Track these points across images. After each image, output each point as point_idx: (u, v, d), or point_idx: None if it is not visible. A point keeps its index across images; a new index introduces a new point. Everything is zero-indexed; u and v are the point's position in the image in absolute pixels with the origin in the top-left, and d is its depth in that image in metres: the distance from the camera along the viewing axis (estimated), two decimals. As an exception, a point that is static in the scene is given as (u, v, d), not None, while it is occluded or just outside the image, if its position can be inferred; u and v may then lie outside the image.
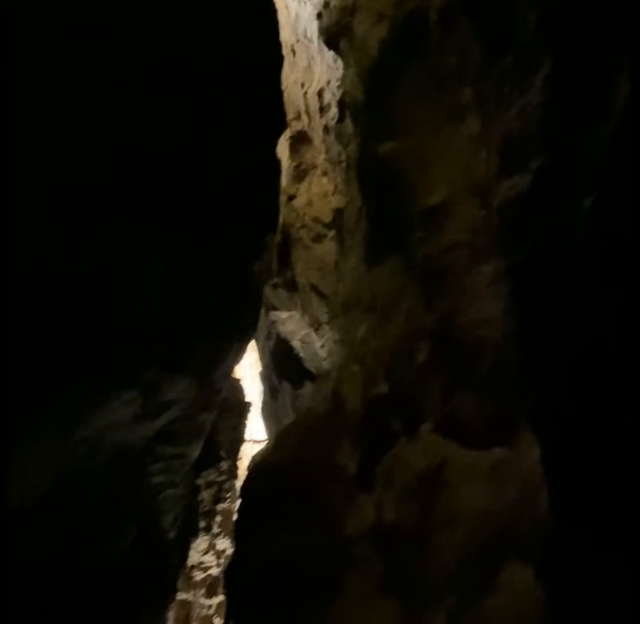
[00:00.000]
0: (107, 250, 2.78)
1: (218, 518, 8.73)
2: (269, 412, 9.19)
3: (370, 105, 4.62)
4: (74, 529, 3.28)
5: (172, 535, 5.03)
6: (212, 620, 10.39)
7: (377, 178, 4.57)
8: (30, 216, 2.51)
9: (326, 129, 5.87)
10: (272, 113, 4.16)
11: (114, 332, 2.93)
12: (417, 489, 3.97)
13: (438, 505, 3.65)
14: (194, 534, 7.25)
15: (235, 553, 6.73)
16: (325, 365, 6.31)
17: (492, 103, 3.21)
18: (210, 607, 10.13)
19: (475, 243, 3.73)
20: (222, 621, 10.28)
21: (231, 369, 4.80)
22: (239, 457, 8.27)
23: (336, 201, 6.04)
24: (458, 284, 3.74)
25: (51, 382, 2.66)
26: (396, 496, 4.29)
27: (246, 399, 7.98)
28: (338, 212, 5.88)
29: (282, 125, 4.41)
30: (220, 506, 8.31)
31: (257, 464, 6.65)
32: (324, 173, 6.57)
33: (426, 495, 3.85)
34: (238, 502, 7.02)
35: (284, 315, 6.85)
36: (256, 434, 11.01)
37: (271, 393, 8.54)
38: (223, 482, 7.48)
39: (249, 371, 10.11)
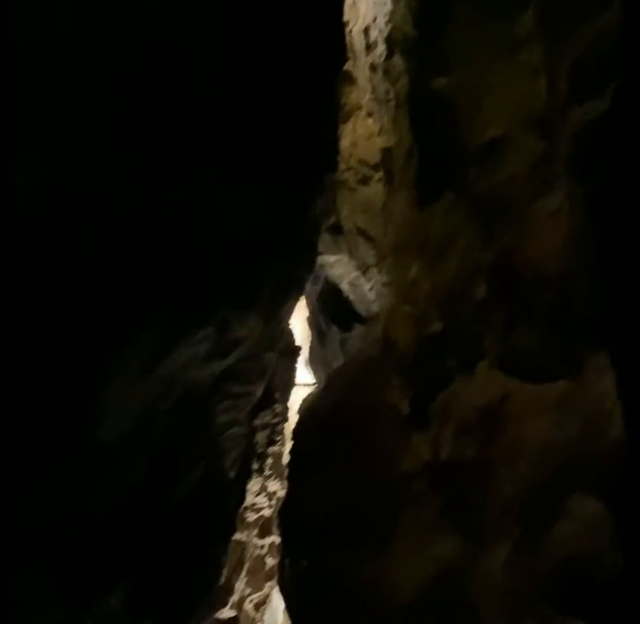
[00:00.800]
0: (191, 192, 2.79)
1: (270, 461, 8.91)
2: (317, 358, 9.25)
3: (421, 40, 4.52)
4: (153, 466, 3.37)
5: (232, 474, 5.15)
6: (264, 560, 10.70)
7: (429, 114, 4.49)
8: (120, 157, 2.52)
9: (372, 67, 5.75)
10: (334, 46, 4.07)
11: (193, 272, 2.96)
12: (476, 425, 3.99)
13: (499, 440, 3.66)
14: (249, 475, 7.41)
15: (288, 495, 6.88)
16: (374, 308, 6.30)
17: (559, 27, 3.10)
18: (262, 547, 10.42)
19: (535, 175, 3.66)
20: (274, 561, 10.58)
21: (292, 308, 4.83)
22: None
23: (383, 141, 5.94)
24: (518, 219, 3.68)
25: (138, 322, 2.70)
26: (453, 433, 4.32)
27: (296, 344, 8.06)
28: (386, 153, 5.79)
29: (342, 59, 4.31)
30: (271, 449, 8.47)
31: (309, 408, 6.74)
32: (370, 114, 6.46)
33: (485, 430, 3.86)
34: (289, 445, 7.17)
35: (331, 258, 6.83)
36: (303, 379, 11.14)
37: (319, 337, 8.58)
38: (276, 424, 7.59)
39: (295, 317, 10.15)
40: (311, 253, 4.67)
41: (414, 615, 4.54)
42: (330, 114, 4.29)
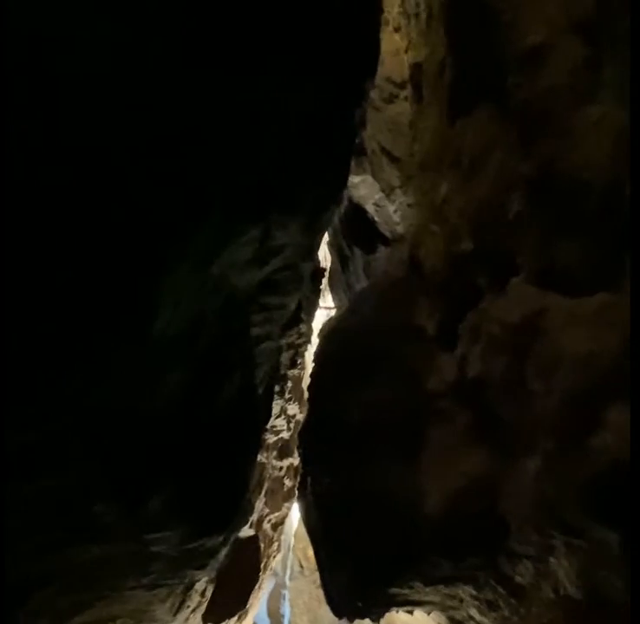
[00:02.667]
0: (255, 87, 2.72)
1: (290, 384, 9.01)
2: (338, 282, 9.22)
3: (459, -57, 4.33)
4: (200, 368, 3.41)
5: (260, 391, 5.20)
6: (282, 481, 10.95)
7: (466, 22, 4.33)
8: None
9: (401, -22, 5.56)
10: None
11: (249, 176, 2.92)
12: (507, 342, 3.97)
13: (532, 355, 3.64)
14: (273, 396, 7.48)
15: (309, 415, 6.96)
16: (400, 229, 6.24)
17: None
18: (280, 468, 10.64)
19: (578, 84, 3.53)
20: (292, 483, 10.83)
21: (330, 220, 4.78)
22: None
23: (411, 57, 5.77)
24: (559, 128, 3.57)
25: (199, 220, 2.68)
26: (483, 350, 4.31)
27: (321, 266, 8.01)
28: (415, 68, 5.63)
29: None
30: (291, 372, 8.54)
31: (332, 329, 6.75)
32: (396, 29, 6.26)
33: (517, 347, 3.84)
34: (310, 367, 7.21)
35: (355, 179, 6.72)
36: (325, 302, 11.17)
37: (341, 261, 8.52)
38: (300, 345, 7.62)
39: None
40: (347, 162, 4.58)
41: (442, 528, 4.64)
42: (371, 13, 4.13)
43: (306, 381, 7.30)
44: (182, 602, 7.75)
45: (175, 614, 7.82)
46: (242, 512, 5.64)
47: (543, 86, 3.70)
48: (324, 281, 9.86)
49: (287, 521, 15.72)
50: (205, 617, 9.34)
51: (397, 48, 6.30)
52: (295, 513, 13.95)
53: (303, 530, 8.19)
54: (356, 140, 4.87)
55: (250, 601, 11.15)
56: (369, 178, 6.64)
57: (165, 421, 3.25)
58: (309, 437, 6.88)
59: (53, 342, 2.36)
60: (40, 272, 2.18)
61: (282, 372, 7.90)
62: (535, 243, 3.69)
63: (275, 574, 19.00)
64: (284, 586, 20.22)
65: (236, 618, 10.78)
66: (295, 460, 9.95)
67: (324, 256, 9.95)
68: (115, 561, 4.40)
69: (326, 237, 9.92)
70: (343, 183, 4.54)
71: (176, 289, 2.78)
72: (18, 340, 2.25)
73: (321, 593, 7.81)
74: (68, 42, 2.13)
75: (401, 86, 6.21)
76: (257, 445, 6.29)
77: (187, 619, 8.73)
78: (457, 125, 4.71)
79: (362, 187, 6.81)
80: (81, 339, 2.42)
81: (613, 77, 3.20)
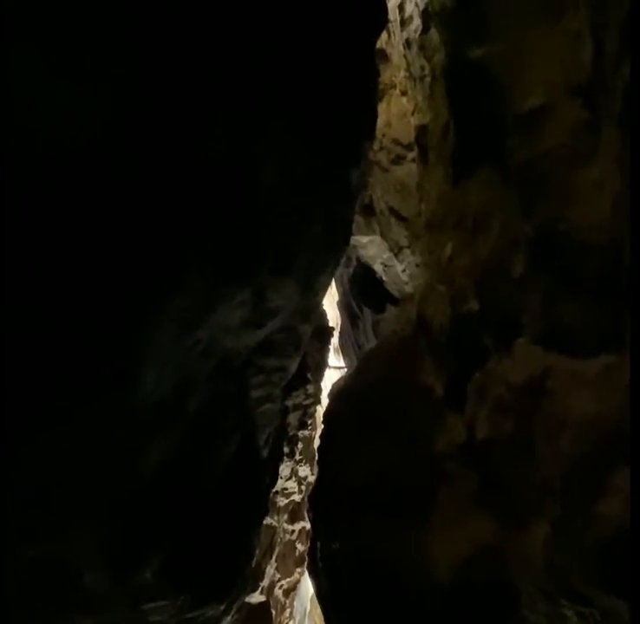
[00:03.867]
0: (237, 142, 2.73)
1: (300, 445, 8.91)
2: (348, 341, 9.21)
3: (459, 9, 4.42)
4: (191, 435, 3.35)
5: (265, 453, 5.12)
6: (294, 546, 10.72)
7: (468, 86, 4.40)
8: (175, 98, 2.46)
9: (407, 43, 5.66)
10: (372, 8, 3.96)
11: (232, 229, 2.91)
12: (513, 403, 3.91)
13: (539, 416, 3.58)
14: (281, 458, 7.39)
15: (319, 477, 6.85)
16: (407, 289, 6.24)
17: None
18: (292, 532, 10.44)
19: (578, 145, 3.56)
20: (304, 547, 10.60)
21: (328, 281, 4.76)
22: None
23: (418, 119, 5.86)
24: (560, 189, 3.58)
25: (176, 278, 2.66)
26: (490, 411, 4.25)
27: (330, 325, 8.01)
28: (421, 130, 5.71)
29: (382, 21, 4.19)
30: (302, 433, 8.46)
31: (341, 389, 6.70)
32: (403, 93, 6.37)
33: (524, 408, 3.78)
34: (320, 428, 7.14)
35: (364, 239, 6.76)
36: (334, 362, 11.12)
37: (351, 320, 8.53)
38: (308, 406, 7.55)
39: (326, 301, 10.08)
40: (348, 224, 4.59)
41: (451, 597, 4.50)
42: (370, 75, 4.18)
43: (317, 442, 7.22)
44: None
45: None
46: (245, 580, 5.50)
47: (543, 147, 3.73)
48: (335, 341, 9.85)
49: (303, 586, 15.38)
50: None
51: (404, 111, 6.41)
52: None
53: (319, 596, 7.99)
54: (356, 203, 4.89)
55: (263, 669, 10.82)
56: (378, 238, 6.69)
57: (153, 488, 3.19)
58: (317, 501, 6.76)
59: (37, 402, 2.34)
60: (19, 337, 2.18)
61: (291, 433, 7.81)
62: (538, 303, 3.67)
63: (293, 640, 18.50)
64: (302, 652, 19.67)
65: None
66: (307, 524, 9.76)
67: (335, 316, 9.97)
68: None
69: (336, 297, 9.95)
70: (342, 244, 4.54)
71: (161, 352, 2.76)
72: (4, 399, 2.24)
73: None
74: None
75: (409, 147, 6.29)
76: (263, 508, 6.17)
77: None
78: (460, 186, 4.75)
79: (371, 247, 6.85)
80: (66, 398, 2.39)
81: (610, 137, 3.21)
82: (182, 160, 2.54)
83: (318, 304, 4.85)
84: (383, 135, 6.51)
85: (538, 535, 3.66)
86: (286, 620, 12.30)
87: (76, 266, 2.23)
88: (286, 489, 9.45)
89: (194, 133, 2.58)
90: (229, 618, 5.09)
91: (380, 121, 6.29)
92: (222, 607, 4.71)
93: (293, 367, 4.77)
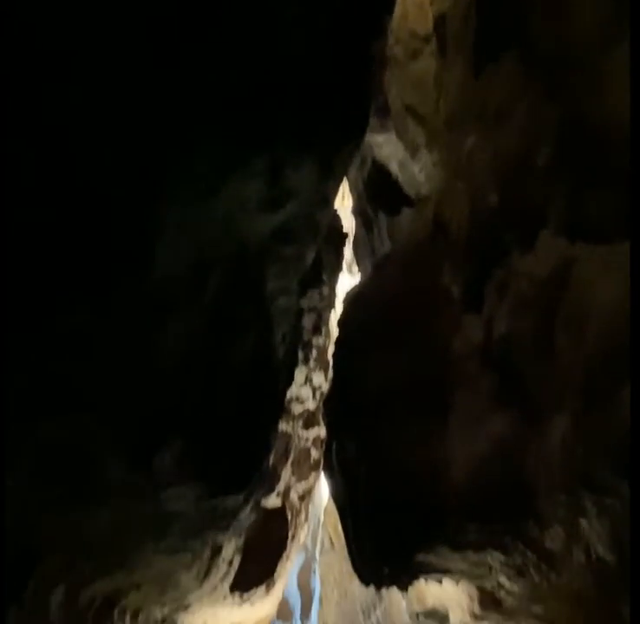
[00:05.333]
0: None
1: (314, 353, 8.95)
2: (363, 247, 9.07)
3: None
4: (208, 320, 3.31)
5: (281, 353, 5.12)
6: (309, 452, 10.95)
7: (491, -33, 4.16)
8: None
9: None
10: None
11: (249, 95, 2.79)
12: (536, 297, 3.84)
13: (561, 309, 3.51)
14: (296, 362, 7.42)
15: (334, 382, 6.88)
16: (424, 190, 6.09)
17: None
18: (307, 439, 10.64)
19: (606, 30, 3.35)
20: (318, 453, 10.81)
21: (347, 165, 4.62)
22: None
23: (436, 9, 5.58)
24: (588, 75, 3.40)
25: (192, 136, 2.56)
26: (510, 308, 4.18)
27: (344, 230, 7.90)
28: (439, 19, 5.44)
29: None
30: (316, 340, 8.47)
31: (356, 294, 6.64)
32: (421, -20, 6.06)
33: (547, 301, 3.70)
34: (335, 334, 7.12)
35: (380, 138, 6.57)
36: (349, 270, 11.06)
37: (365, 226, 8.37)
38: (322, 309, 7.52)
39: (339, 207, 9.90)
40: (367, 99, 4.40)
41: (468, 492, 4.55)
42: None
43: (331, 351, 7.22)
44: (208, 570, 7.79)
45: (202, 582, 7.86)
46: (262, 473, 5.59)
47: (571, 31, 3.52)
48: (349, 249, 9.76)
49: (316, 495, 15.81)
50: (232, 586, 9.41)
51: (421, 1, 6.10)
52: (324, 488, 13.99)
53: (333, 505, 8.19)
54: (376, 79, 4.71)
55: (277, 570, 11.23)
56: (394, 138, 6.48)
57: (172, 372, 3.18)
58: (333, 404, 6.81)
59: (50, 276, 2.28)
60: (37, 203, 2.09)
61: (305, 338, 7.82)
62: (564, 193, 3.54)
63: (305, 548, 19.17)
64: (314, 560, 20.41)
65: (264, 587, 10.85)
66: (321, 430, 9.91)
67: (349, 224, 9.80)
68: (131, 523, 4.37)
69: (350, 204, 9.78)
70: (361, 120, 4.36)
71: (178, 222, 2.67)
72: (15, 272, 2.17)
73: (351, 567, 7.82)
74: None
75: (426, 40, 6.01)
76: (279, 407, 6.23)
77: (215, 587, 8.79)
78: (482, 76, 4.55)
79: (387, 146, 6.65)
80: (82, 270, 2.33)
81: None
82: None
83: (336, 191, 4.74)
84: (400, 28, 6.22)
85: (559, 428, 3.65)
86: (301, 524, 12.69)
87: (88, 126, 2.13)
88: (301, 395, 9.56)
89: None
90: (247, 510, 5.22)
91: (396, 13, 6.01)
92: (240, 498, 4.80)
93: (310, 257, 4.69)
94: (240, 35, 2.60)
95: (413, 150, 6.26)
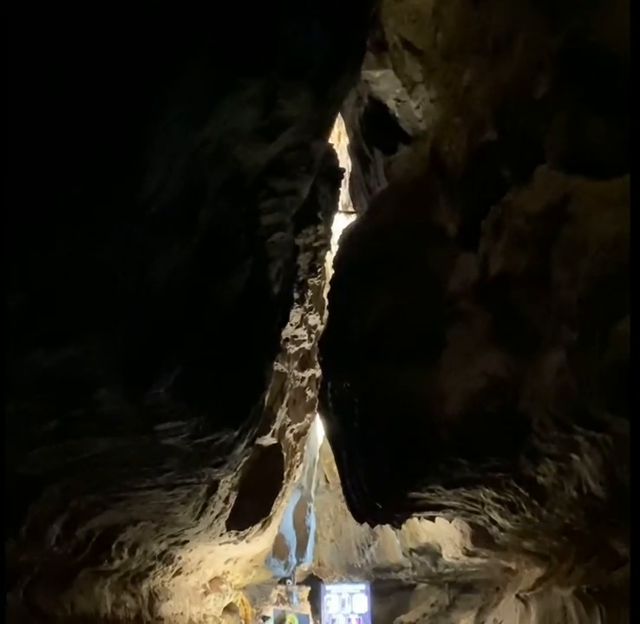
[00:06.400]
0: None
1: (310, 293, 8.92)
2: (359, 186, 8.97)
3: None
4: (201, 249, 3.27)
5: (276, 289, 5.09)
6: (304, 392, 11.04)
7: None
8: None
9: None
10: None
11: (243, 16, 2.69)
12: (532, 232, 3.80)
13: (558, 243, 3.48)
14: (291, 301, 7.40)
15: (330, 320, 6.88)
16: (421, 126, 5.98)
17: None
18: (302, 379, 10.71)
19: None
20: (314, 394, 10.90)
21: (342, 94, 4.51)
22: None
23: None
24: (589, -1, 3.31)
25: (186, 56, 2.47)
26: (506, 245, 4.15)
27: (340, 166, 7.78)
28: (439, -50, 5.27)
29: None
30: (311, 280, 8.43)
31: (351, 232, 6.59)
32: None
33: (543, 236, 3.67)
34: (330, 277, 7.09)
35: (376, 73, 6.43)
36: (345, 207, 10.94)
37: (362, 164, 8.25)
38: (318, 249, 7.45)
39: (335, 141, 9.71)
40: (363, 26, 4.25)
41: (461, 428, 4.59)
42: None
43: (327, 289, 7.19)
44: (205, 507, 7.92)
45: (198, 519, 8.01)
46: (257, 409, 5.63)
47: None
48: (345, 187, 9.64)
49: (312, 435, 16.01)
50: (228, 523, 9.59)
51: None
52: (320, 428, 14.16)
53: (329, 445, 8.29)
54: (372, 6, 4.55)
55: (273, 508, 11.45)
56: (390, 73, 6.33)
57: (166, 301, 3.15)
58: (328, 343, 6.82)
59: (42, 195, 2.23)
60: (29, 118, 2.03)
61: (300, 277, 7.77)
62: (563, 124, 3.47)
63: (301, 487, 19.50)
64: (309, 499, 20.80)
65: (259, 525, 11.07)
66: (317, 371, 9.98)
67: (346, 163, 9.65)
68: (127, 456, 4.41)
69: (346, 141, 9.63)
70: (357, 48, 4.22)
71: (168, 145, 2.61)
72: (10, 191, 2.13)
73: (346, 505, 7.95)
74: None
75: (424, -28, 5.82)
76: (274, 344, 6.23)
77: (211, 524, 8.95)
78: (481, 5, 4.42)
79: (383, 82, 6.50)
80: (71, 191, 2.28)
81: None
82: None
83: (332, 121, 4.64)
84: (398, -41, 6.02)
85: (552, 363, 3.66)
86: (297, 463, 12.90)
87: (78, 36, 2.05)
88: (296, 336, 9.57)
89: None
90: (242, 447, 5.27)
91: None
92: (236, 433, 4.84)
93: (305, 191, 4.61)
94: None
95: (410, 86, 6.13)
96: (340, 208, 9.43)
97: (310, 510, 21.03)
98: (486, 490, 5.56)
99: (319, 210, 6.83)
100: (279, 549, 18.16)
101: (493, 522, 6.37)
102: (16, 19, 1.91)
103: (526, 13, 3.82)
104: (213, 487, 7.51)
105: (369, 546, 15.56)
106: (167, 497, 5.89)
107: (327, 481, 18.94)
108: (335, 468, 8.17)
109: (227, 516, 9.35)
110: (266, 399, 7.05)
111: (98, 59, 2.13)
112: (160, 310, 3.17)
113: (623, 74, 3.08)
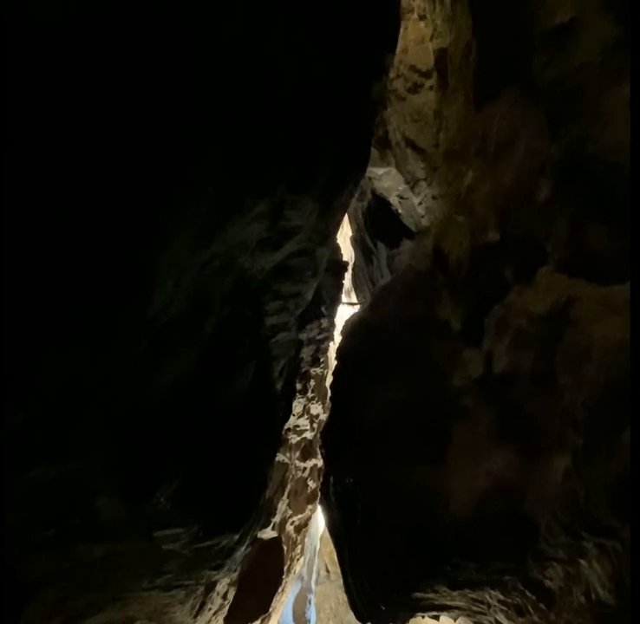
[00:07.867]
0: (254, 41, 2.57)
1: (313, 383, 8.88)
2: (362, 277, 9.06)
3: None
4: (205, 357, 3.26)
5: (279, 386, 5.07)
6: (306, 483, 10.83)
7: (491, 3, 4.17)
8: None
9: (426, -38, 5.39)
10: None
11: (250, 139, 2.75)
12: (535, 333, 3.80)
13: (562, 346, 3.47)
14: (294, 393, 7.36)
15: (332, 413, 6.81)
16: (424, 222, 6.07)
17: None
18: (304, 470, 10.52)
19: (609, 63, 3.35)
20: (315, 484, 10.70)
21: (347, 203, 4.60)
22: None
23: (436, 44, 5.60)
24: (589, 110, 3.40)
25: (189, 184, 2.51)
26: (509, 344, 4.14)
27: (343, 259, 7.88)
28: (440, 54, 5.46)
29: None
30: (314, 370, 8.41)
31: (355, 324, 6.60)
32: (421, 17, 6.10)
33: (547, 338, 3.67)
34: (333, 366, 7.07)
35: (379, 171, 6.57)
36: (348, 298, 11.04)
37: (365, 256, 8.35)
38: (321, 341, 7.47)
39: (339, 238, 9.88)
40: (367, 140, 4.39)
41: (467, 530, 4.47)
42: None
43: (330, 381, 7.16)
44: (203, 604, 7.66)
45: (196, 617, 7.73)
46: (258, 511, 5.51)
47: (571, 65, 3.52)
48: (348, 277, 9.72)
49: (313, 524, 15.63)
50: (227, 620, 9.26)
51: (422, 36, 6.14)
52: (321, 516, 13.84)
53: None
54: (376, 120, 4.71)
55: (273, 604, 11.05)
56: (393, 171, 6.49)
57: (168, 411, 3.12)
58: (331, 436, 6.74)
59: (48, 317, 2.23)
60: (34, 245, 2.05)
61: (303, 369, 7.76)
62: (564, 229, 3.51)
63: (301, 578, 18.93)
64: (310, 590, 20.14)
65: (258, 622, 10.69)
66: (319, 461, 9.84)
67: (349, 254, 9.79)
68: (125, 560, 4.29)
69: (349, 233, 9.77)
70: (361, 162, 4.34)
71: (175, 264, 2.63)
72: (13, 315, 2.13)
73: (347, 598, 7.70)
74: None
75: (426, 75, 6.04)
76: (276, 442, 6.15)
77: (209, 621, 8.63)
78: (483, 110, 4.55)
79: (386, 179, 6.66)
80: (77, 313, 2.28)
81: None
82: (201, 55, 2.37)
83: (336, 229, 4.70)
84: (400, 62, 6.25)
85: (559, 467, 3.59)
86: (297, 556, 12.53)
87: (87, 167, 2.10)
88: (298, 426, 9.48)
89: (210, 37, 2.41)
90: (243, 549, 5.12)
91: (396, 48, 6.04)
92: (236, 537, 4.72)
93: (309, 293, 4.65)
94: (240, 80, 2.58)
95: (413, 182, 6.27)
96: (343, 298, 9.50)
97: (310, 602, 20.35)
98: (493, 592, 5.37)
99: (323, 304, 6.87)
100: (279, 644, 17.47)
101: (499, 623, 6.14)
102: (28, 157, 1.96)
103: (527, 119, 3.93)
104: (211, 585, 7.29)
105: (371, 641, 14.95)
106: (165, 597, 5.71)
107: (327, 571, 18.40)
108: (336, 557, 7.94)
109: (225, 613, 9.04)
110: (267, 493, 6.91)
111: (106, 197, 2.18)
112: (160, 422, 3.14)
113: (622, 183, 3.14)
